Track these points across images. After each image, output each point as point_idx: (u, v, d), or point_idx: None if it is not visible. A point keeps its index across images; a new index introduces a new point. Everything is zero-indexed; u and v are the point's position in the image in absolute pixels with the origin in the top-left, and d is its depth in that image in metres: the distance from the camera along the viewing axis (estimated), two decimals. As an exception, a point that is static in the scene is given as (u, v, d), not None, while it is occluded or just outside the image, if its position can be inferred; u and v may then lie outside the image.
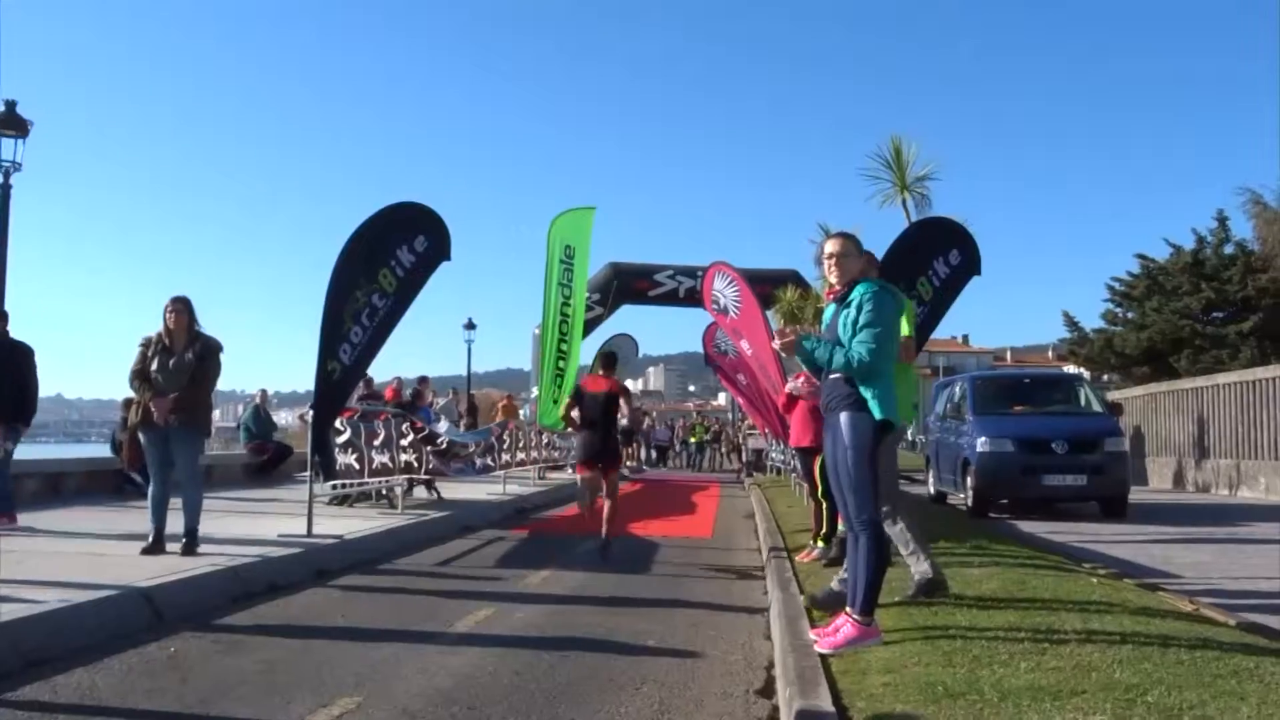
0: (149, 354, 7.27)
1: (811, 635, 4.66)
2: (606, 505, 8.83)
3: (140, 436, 7.43)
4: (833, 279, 4.80)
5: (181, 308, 7.31)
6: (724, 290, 10.52)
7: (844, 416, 4.57)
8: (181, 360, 7.22)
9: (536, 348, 21.83)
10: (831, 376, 4.69)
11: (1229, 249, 26.68)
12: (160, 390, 7.16)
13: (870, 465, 4.55)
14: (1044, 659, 4.04)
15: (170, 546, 7.05)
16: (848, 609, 4.56)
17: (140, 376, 7.23)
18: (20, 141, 12.69)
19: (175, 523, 7.14)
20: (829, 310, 4.93)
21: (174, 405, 7.12)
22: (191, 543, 7.08)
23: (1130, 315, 28.66)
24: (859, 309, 4.55)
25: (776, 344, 5.26)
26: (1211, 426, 19.38)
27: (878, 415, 4.50)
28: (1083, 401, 14.62)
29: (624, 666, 4.75)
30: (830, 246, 4.84)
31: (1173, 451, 21.08)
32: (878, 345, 4.47)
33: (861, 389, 4.53)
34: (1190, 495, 18.80)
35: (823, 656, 4.28)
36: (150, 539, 7.06)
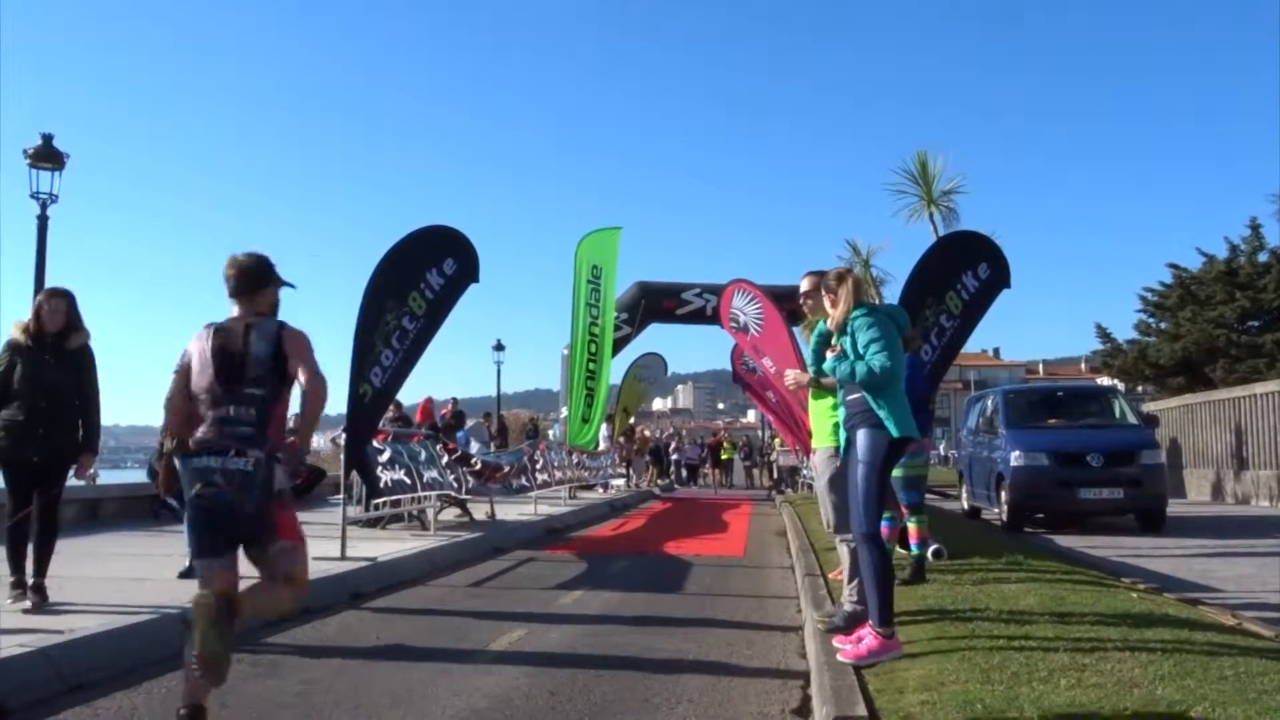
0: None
1: (835, 643, 4.75)
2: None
3: (176, 462, 7.50)
4: (835, 311, 4.96)
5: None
6: (744, 308, 10.47)
7: (861, 433, 4.74)
8: None
9: (565, 368, 21.88)
10: (850, 397, 4.87)
11: (1263, 257, 26.34)
12: None
13: (880, 481, 4.73)
14: (1084, 675, 4.00)
15: None
16: (870, 622, 4.64)
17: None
18: (56, 174, 12.96)
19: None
20: (819, 333, 5.19)
21: None
22: None
23: (1164, 326, 28.34)
24: (855, 333, 4.75)
25: (789, 384, 5.78)
26: (1250, 437, 19.09)
27: (894, 433, 4.65)
28: (1117, 413, 14.46)
29: (659, 686, 4.74)
30: (824, 281, 5.09)
31: (1211, 463, 20.78)
32: (890, 352, 4.64)
33: (876, 407, 4.67)
34: (1230, 507, 18.51)
35: (859, 674, 4.28)
36: (187, 563, 7.12)
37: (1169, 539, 11.99)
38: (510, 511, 13.96)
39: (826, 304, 5.04)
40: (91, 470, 6.38)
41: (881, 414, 4.64)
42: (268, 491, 3.90)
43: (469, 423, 19.98)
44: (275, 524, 3.94)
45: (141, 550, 9.09)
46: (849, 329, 4.79)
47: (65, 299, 6.07)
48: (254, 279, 4.10)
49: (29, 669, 4.49)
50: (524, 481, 14.57)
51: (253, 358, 3.94)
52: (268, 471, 3.89)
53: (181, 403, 4.06)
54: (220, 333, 3.98)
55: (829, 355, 4.94)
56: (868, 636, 4.57)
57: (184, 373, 4.03)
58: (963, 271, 9.31)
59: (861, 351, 4.68)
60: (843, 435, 5.00)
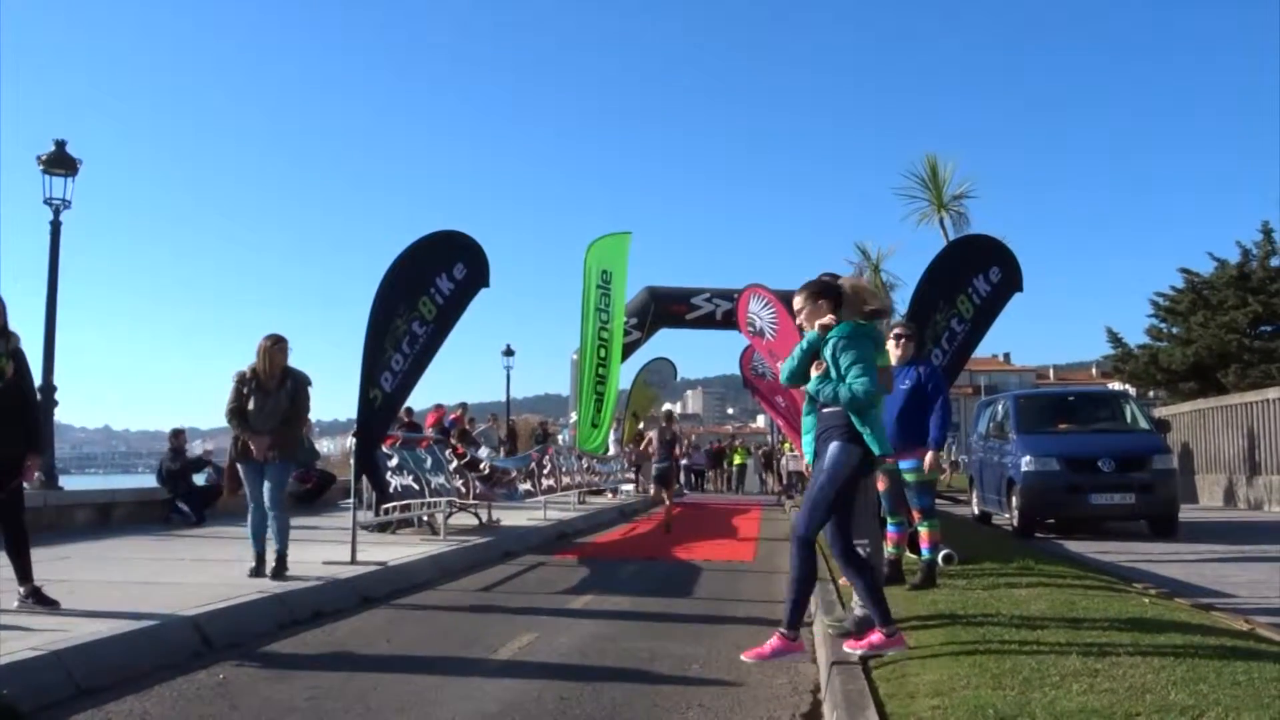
0: (245, 391, 7.48)
1: (846, 648, 4.77)
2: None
3: (238, 468, 7.64)
4: (807, 328, 4.95)
5: (282, 346, 7.56)
6: (760, 312, 10.46)
7: (834, 445, 4.73)
8: (277, 397, 7.48)
9: (575, 373, 21.89)
10: (825, 410, 4.85)
11: (1275, 261, 26.15)
12: (256, 425, 7.41)
13: (836, 494, 4.70)
14: (1096, 680, 3.98)
15: (233, 571, 7.18)
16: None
17: (238, 414, 7.46)
18: (70, 180, 13.01)
19: (234, 551, 7.23)
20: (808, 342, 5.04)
21: (273, 443, 7.41)
22: (282, 566, 7.27)
23: (1175, 330, 28.19)
24: (838, 355, 4.70)
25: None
26: (1263, 442, 18.98)
27: (877, 450, 4.69)
28: (1129, 418, 14.39)
29: (669, 692, 4.73)
30: (795, 303, 5.03)
31: (1223, 468, 20.68)
32: (869, 377, 4.63)
33: (860, 426, 4.68)
34: (1242, 512, 18.42)
35: (870, 679, 4.26)
36: (254, 563, 7.31)
37: (1181, 544, 11.94)
38: (520, 516, 13.96)
39: (811, 316, 4.91)
40: (37, 473, 6.40)
41: (865, 433, 4.66)
42: (673, 472, 15.96)
43: (479, 426, 20.02)
44: (673, 479, 15.21)
45: (153, 555, 9.11)
46: (830, 342, 4.74)
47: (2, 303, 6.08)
48: (668, 418, 17.19)
49: (41, 672, 4.51)
50: (529, 487, 14.56)
51: (667, 441, 15.54)
52: (671, 467, 15.83)
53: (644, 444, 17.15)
54: (660, 432, 15.74)
55: (814, 373, 4.84)
56: (876, 640, 4.67)
57: (647, 440, 17.88)
58: (974, 275, 9.27)
59: (843, 374, 4.67)
60: (812, 446, 4.96)
